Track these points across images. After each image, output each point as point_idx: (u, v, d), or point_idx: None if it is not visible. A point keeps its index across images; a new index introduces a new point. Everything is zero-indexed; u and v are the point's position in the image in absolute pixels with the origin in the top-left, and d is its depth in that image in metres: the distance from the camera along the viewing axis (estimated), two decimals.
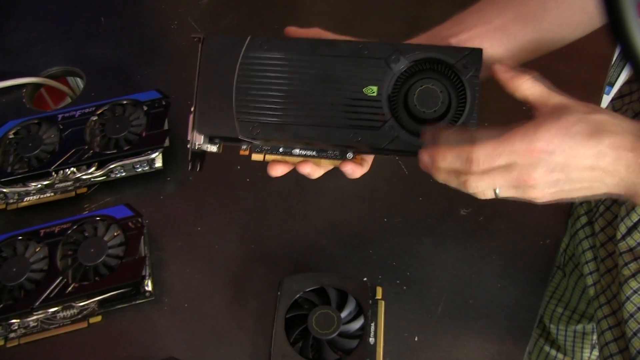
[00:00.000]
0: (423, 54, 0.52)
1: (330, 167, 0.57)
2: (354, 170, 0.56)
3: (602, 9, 0.37)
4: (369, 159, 0.59)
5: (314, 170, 0.56)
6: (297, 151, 0.56)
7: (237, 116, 0.54)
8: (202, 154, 0.57)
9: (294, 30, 0.57)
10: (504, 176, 0.47)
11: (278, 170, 0.56)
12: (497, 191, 0.49)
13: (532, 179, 0.46)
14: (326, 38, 0.56)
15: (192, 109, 0.54)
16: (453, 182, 0.51)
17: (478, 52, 0.52)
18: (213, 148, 0.56)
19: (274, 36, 0.54)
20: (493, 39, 0.56)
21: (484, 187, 0.49)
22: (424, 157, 0.51)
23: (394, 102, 0.53)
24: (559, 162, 0.46)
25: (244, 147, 0.56)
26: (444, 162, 0.49)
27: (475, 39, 0.56)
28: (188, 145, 0.55)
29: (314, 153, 0.56)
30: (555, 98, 0.48)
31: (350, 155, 0.55)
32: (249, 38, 0.54)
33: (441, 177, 0.51)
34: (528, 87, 0.50)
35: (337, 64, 0.53)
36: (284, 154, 0.56)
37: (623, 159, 0.45)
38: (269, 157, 0.56)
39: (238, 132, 0.54)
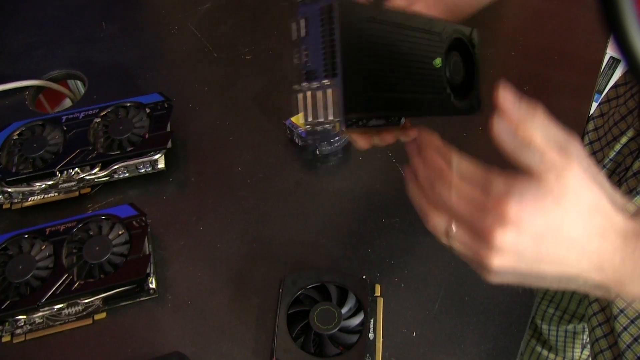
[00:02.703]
0: (457, 33, 0.57)
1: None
2: (412, 132, 0.54)
3: (598, 4, 0.38)
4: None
5: (367, 142, 0.55)
6: (373, 122, 0.53)
7: (369, 88, 0.48)
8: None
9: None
10: (469, 213, 0.41)
11: (364, 143, 0.55)
12: (453, 229, 0.43)
13: (494, 238, 0.39)
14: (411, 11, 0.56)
15: (318, 84, 0.47)
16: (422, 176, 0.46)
17: (475, 31, 0.58)
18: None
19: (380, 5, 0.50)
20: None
21: (443, 207, 0.43)
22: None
23: (444, 72, 0.56)
24: (531, 233, 0.39)
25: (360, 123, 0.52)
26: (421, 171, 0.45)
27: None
28: (320, 128, 0.49)
29: (383, 122, 0.54)
30: (567, 175, 0.39)
31: (402, 120, 0.56)
32: (357, 5, 0.48)
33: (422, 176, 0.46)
34: (540, 156, 0.39)
35: (422, 37, 0.54)
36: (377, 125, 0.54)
37: (611, 243, 0.39)
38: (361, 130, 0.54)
39: (374, 106, 0.49)
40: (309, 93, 0.49)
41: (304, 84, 0.49)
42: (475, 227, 0.41)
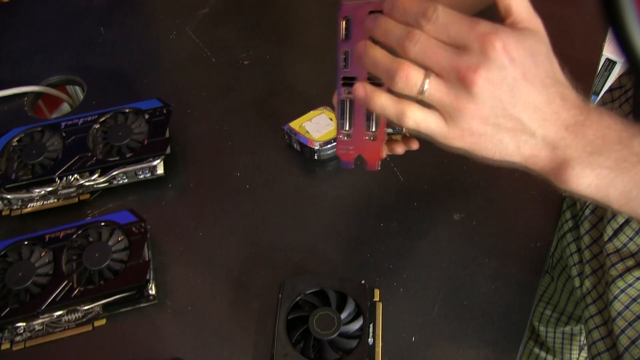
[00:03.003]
0: None
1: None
2: (414, 144, 0.56)
3: (599, 3, 0.38)
4: None
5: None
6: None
7: None
8: None
9: None
10: (450, 57, 0.40)
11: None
12: (427, 83, 0.41)
13: (476, 77, 0.40)
14: None
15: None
16: (391, 37, 0.43)
17: None
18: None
19: None
20: None
21: (420, 57, 0.41)
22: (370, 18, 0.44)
23: None
24: (513, 75, 0.40)
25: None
26: (397, 9, 0.43)
27: None
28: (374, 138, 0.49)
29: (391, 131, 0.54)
30: (535, 21, 0.43)
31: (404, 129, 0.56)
32: None
33: (381, 29, 0.44)
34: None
35: None
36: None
37: (564, 112, 0.41)
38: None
39: None
40: (348, 101, 0.48)
41: (343, 89, 0.48)
42: (457, 70, 0.40)
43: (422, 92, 0.42)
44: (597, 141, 0.41)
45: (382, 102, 0.44)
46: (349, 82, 0.48)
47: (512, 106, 0.41)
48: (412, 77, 0.41)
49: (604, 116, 0.42)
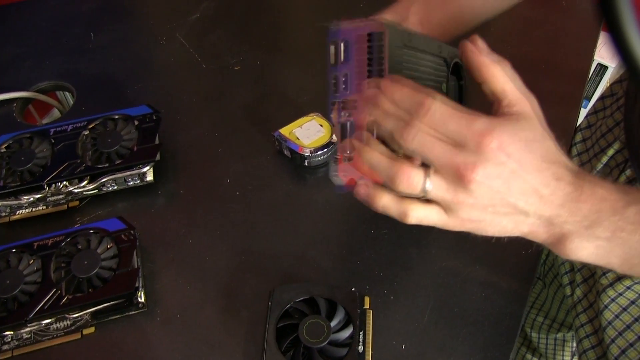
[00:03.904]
0: (457, 57, 0.57)
1: None
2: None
3: (598, 8, 0.38)
4: None
5: None
6: None
7: None
8: None
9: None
10: (447, 154, 0.41)
11: None
12: (427, 182, 0.43)
13: (473, 175, 0.41)
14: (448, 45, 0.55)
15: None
16: (389, 124, 0.44)
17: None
18: None
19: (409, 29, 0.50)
20: (448, 11, 0.61)
21: (419, 151, 0.42)
22: (369, 92, 0.45)
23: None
24: (510, 169, 0.41)
25: None
26: (395, 94, 0.43)
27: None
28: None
29: None
30: (522, 105, 0.44)
31: None
32: (397, 30, 0.48)
33: (376, 113, 0.45)
34: (506, 80, 0.44)
35: (434, 62, 0.53)
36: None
37: (560, 192, 0.42)
38: None
39: None
40: (349, 124, 0.47)
41: (343, 112, 0.47)
42: (456, 167, 0.41)
43: (423, 191, 0.43)
44: (593, 215, 0.42)
45: (384, 202, 0.46)
46: (350, 105, 0.48)
47: (509, 195, 0.42)
48: (413, 179, 0.43)
49: (597, 188, 0.43)
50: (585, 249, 0.43)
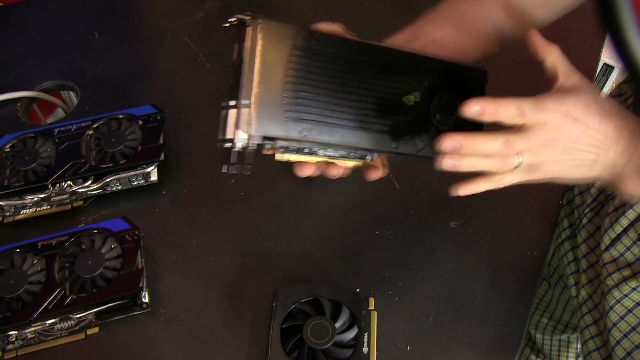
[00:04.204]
0: (446, 69, 0.56)
1: (355, 166, 0.57)
2: (376, 173, 0.57)
3: (596, 9, 0.38)
4: (386, 161, 0.59)
5: (338, 171, 0.56)
6: (321, 152, 0.53)
7: (285, 114, 0.49)
8: (242, 154, 0.51)
9: (323, 26, 0.55)
10: (536, 136, 0.50)
11: (306, 171, 0.55)
12: (521, 157, 0.51)
13: (555, 142, 0.51)
14: (372, 42, 0.55)
15: (228, 104, 0.48)
16: (493, 144, 0.51)
17: (485, 73, 0.57)
18: (249, 145, 0.50)
19: (322, 31, 0.51)
20: (465, 33, 0.61)
21: (517, 150, 0.51)
22: (470, 108, 0.50)
23: (422, 112, 0.55)
24: (578, 130, 0.50)
25: (267, 146, 0.51)
26: (492, 115, 0.50)
27: (449, 37, 0.61)
28: (225, 145, 0.49)
29: (337, 154, 0.54)
30: (576, 76, 0.52)
31: (369, 158, 0.55)
32: (299, 28, 0.50)
33: (479, 141, 0.51)
34: (558, 58, 0.53)
35: (382, 69, 0.53)
36: (309, 154, 0.53)
37: (621, 140, 0.51)
38: (293, 157, 0.53)
39: (287, 132, 0.50)
40: (227, 111, 0.48)
41: (230, 102, 0.48)
42: (542, 143, 0.51)
43: (517, 164, 0.52)
44: None
45: (483, 143, 0.52)
46: (232, 95, 0.49)
47: (580, 149, 0.51)
48: (511, 161, 0.52)
49: None
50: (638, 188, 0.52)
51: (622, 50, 0.38)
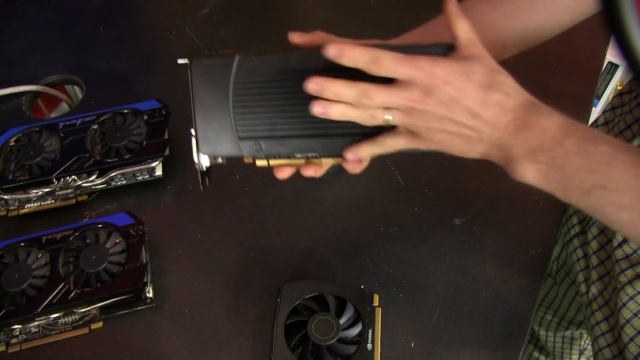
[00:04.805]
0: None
1: (332, 163, 0.58)
2: (354, 167, 0.57)
3: (601, 9, 0.38)
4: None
5: (317, 170, 0.57)
6: (298, 155, 0.57)
7: (238, 135, 0.56)
8: (208, 171, 0.59)
9: (297, 36, 0.58)
10: (401, 93, 0.49)
11: (284, 173, 0.57)
12: (389, 115, 0.51)
13: (423, 104, 0.49)
14: (309, 50, 0.56)
15: (192, 131, 0.56)
16: (346, 99, 0.50)
17: (451, 48, 0.53)
18: (219, 161, 0.58)
19: (260, 53, 0.54)
20: (485, 35, 0.60)
21: (379, 102, 0.50)
22: (329, 51, 0.50)
23: None
24: (449, 94, 0.48)
25: (221, 162, 0.59)
26: (349, 59, 0.49)
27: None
28: (196, 166, 0.58)
29: (315, 154, 0.57)
30: (479, 47, 0.50)
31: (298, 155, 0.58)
32: (236, 59, 0.54)
33: (337, 85, 0.50)
34: (465, 29, 0.51)
35: (324, 72, 0.53)
36: (287, 157, 0.57)
37: (503, 117, 0.49)
38: (272, 162, 0.57)
39: (242, 151, 0.57)
40: (190, 138, 0.57)
41: (191, 130, 0.56)
42: (410, 103, 0.50)
43: (386, 121, 0.51)
44: (535, 142, 0.49)
45: (339, 87, 0.50)
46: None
47: (453, 116, 0.49)
48: (377, 115, 0.51)
49: (543, 119, 0.49)
50: (529, 171, 0.50)
51: (625, 49, 0.37)
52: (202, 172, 0.58)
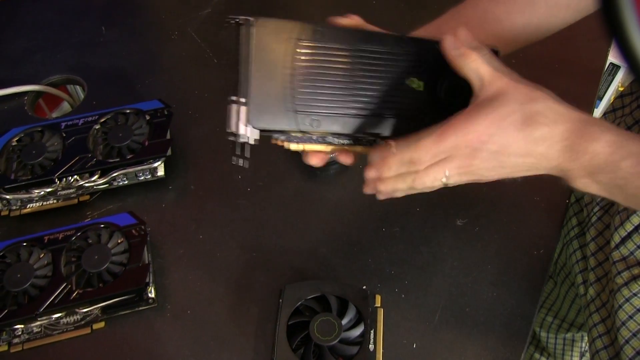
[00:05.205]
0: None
1: (359, 152, 0.58)
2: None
3: (600, 10, 0.38)
4: None
5: (350, 158, 0.57)
6: (332, 139, 0.55)
7: (296, 107, 0.51)
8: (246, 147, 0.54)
9: (340, 20, 0.56)
10: (447, 166, 0.50)
11: (316, 160, 0.56)
12: (445, 180, 0.52)
13: (473, 165, 0.50)
14: (374, 30, 0.56)
15: (234, 99, 0.50)
16: (401, 186, 0.54)
17: (497, 52, 0.55)
18: (256, 138, 0.52)
19: (324, 23, 0.52)
20: (488, 31, 0.60)
21: (431, 182, 0.52)
22: (371, 173, 0.55)
23: (430, 94, 0.55)
24: (493, 150, 0.48)
25: (281, 137, 0.53)
26: (390, 170, 0.53)
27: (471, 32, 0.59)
28: (234, 139, 0.51)
29: (349, 141, 0.55)
30: (498, 82, 0.49)
31: (380, 142, 0.56)
32: (301, 24, 0.51)
33: (389, 187, 0.54)
34: (475, 68, 0.50)
35: (385, 57, 0.53)
36: (321, 142, 0.55)
37: (553, 149, 0.48)
38: (308, 147, 0.55)
39: (298, 125, 0.52)
40: (231, 105, 0.51)
41: (232, 97, 0.51)
42: (461, 168, 0.51)
43: (445, 184, 0.53)
44: (589, 166, 0.48)
45: (391, 187, 0.55)
46: (238, 90, 0.51)
47: (504, 164, 0.50)
48: (435, 185, 0.53)
49: (593, 143, 0.47)
50: (591, 188, 0.49)
51: (626, 51, 0.37)
52: (248, 145, 0.52)
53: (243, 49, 0.50)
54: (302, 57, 0.51)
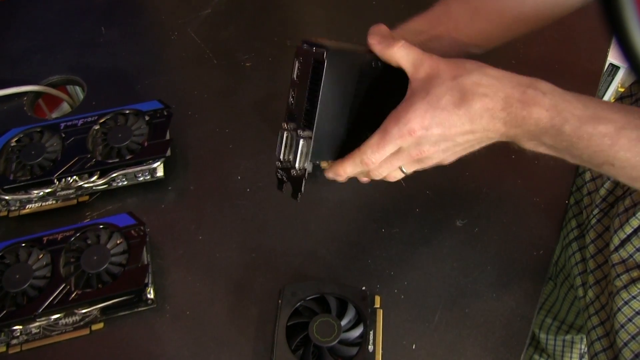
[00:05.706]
0: None
1: None
2: None
3: (601, 9, 0.38)
4: None
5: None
6: None
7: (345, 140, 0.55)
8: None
9: (384, 29, 0.55)
10: (399, 158, 0.52)
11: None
12: (403, 169, 0.54)
13: (423, 153, 0.51)
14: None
15: (289, 127, 0.52)
16: (362, 180, 0.59)
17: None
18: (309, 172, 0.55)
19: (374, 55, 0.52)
20: (492, 16, 0.61)
21: (387, 173, 0.55)
22: (329, 174, 0.58)
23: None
24: (438, 134, 0.49)
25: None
26: (345, 173, 0.55)
27: (453, 31, 0.61)
28: (296, 173, 0.54)
29: None
30: (426, 64, 0.50)
31: None
32: (362, 53, 0.51)
33: (347, 179, 0.57)
34: (402, 55, 0.50)
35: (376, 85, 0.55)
36: None
37: (495, 120, 0.49)
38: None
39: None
40: (286, 134, 0.52)
41: (284, 124, 0.52)
42: (412, 159, 0.53)
43: (405, 173, 0.56)
44: (534, 129, 0.48)
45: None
46: (292, 118, 0.52)
47: (452, 143, 0.51)
48: (393, 175, 0.56)
49: (533, 109, 0.47)
50: (540, 149, 0.51)
51: (627, 51, 0.37)
52: (305, 179, 0.55)
53: (302, 75, 0.50)
54: (362, 88, 0.53)
